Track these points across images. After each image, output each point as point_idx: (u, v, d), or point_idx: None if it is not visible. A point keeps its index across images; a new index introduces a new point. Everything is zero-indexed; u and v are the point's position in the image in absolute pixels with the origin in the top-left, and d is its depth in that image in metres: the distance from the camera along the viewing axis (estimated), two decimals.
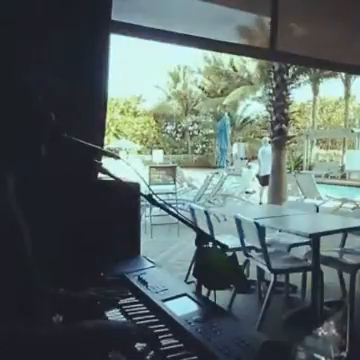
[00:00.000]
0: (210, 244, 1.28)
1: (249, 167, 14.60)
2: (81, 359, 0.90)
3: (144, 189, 1.69)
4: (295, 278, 3.69)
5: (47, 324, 1.03)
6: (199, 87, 31.24)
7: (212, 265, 1.22)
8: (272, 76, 10.29)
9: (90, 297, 1.26)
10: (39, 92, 1.01)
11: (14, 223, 0.94)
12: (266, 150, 10.14)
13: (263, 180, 10.08)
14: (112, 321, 1.17)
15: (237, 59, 24.33)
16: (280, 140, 9.99)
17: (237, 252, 2.95)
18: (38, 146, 1.01)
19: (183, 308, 1.18)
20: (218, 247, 1.25)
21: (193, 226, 1.32)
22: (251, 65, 18.62)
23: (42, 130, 1.01)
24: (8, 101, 0.96)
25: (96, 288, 1.32)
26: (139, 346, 0.97)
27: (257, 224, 2.97)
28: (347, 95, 25.37)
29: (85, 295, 1.26)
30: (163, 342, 1.02)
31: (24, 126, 0.98)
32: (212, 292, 1.28)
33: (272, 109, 10.29)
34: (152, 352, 0.96)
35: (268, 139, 10.39)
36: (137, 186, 1.76)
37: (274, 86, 10.24)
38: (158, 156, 24.48)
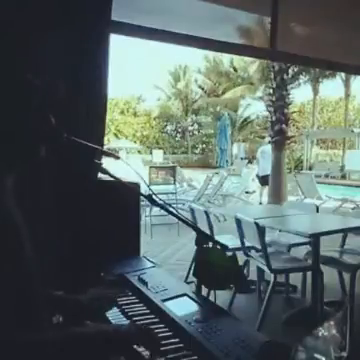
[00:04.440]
0: (210, 244, 1.28)
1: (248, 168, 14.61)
2: None
3: (144, 189, 1.69)
4: (295, 278, 3.69)
5: (47, 326, 1.02)
6: (199, 87, 31.22)
7: (212, 265, 1.22)
8: (272, 76, 10.29)
9: (89, 300, 1.25)
10: (39, 92, 1.01)
11: (12, 223, 0.94)
12: (266, 150, 10.12)
13: (262, 180, 10.06)
14: (113, 325, 1.17)
15: (237, 59, 24.36)
16: (280, 140, 9.99)
17: (237, 252, 2.97)
18: (37, 146, 1.01)
19: (183, 308, 1.18)
20: (218, 247, 1.25)
21: (193, 226, 1.32)
22: (251, 65, 18.62)
23: (41, 131, 1.01)
24: (7, 101, 0.95)
25: (95, 290, 1.32)
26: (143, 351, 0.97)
27: (257, 224, 2.97)
28: (347, 95, 25.36)
29: (85, 297, 1.26)
30: (163, 342, 1.03)
31: (23, 126, 0.98)
32: (212, 292, 1.28)
33: (272, 109, 10.29)
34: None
35: (268, 139, 10.39)
36: (137, 186, 1.76)
37: (274, 86, 10.24)
38: (158, 156, 24.45)
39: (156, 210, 6.17)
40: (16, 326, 0.86)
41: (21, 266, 0.93)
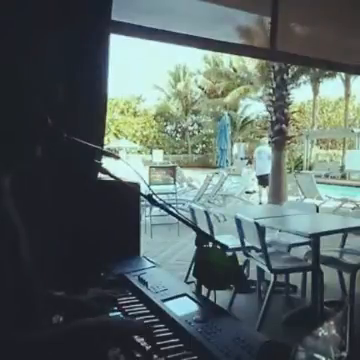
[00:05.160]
0: (210, 244, 1.28)
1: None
2: (82, 355, 0.91)
3: (144, 189, 1.69)
4: (295, 278, 3.69)
5: (46, 326, 1.02)
6: (199, 87, 31.23)
7: (212, 265, 1.22)
8: (272, 76, 10.29)
9: (90, 300, 1.25)
10: (36, 93, 1.00)
11: (9, 223, 0.93)
12: (262, 149, 10.11)
13: (260, 180, 10.07)
14: (112, 317, 1.18)
15: (237, 59, 24.33)
16: (280, 140, 9.99)
17: (237, 252, 2.98)
18: (33, 147, 1.01)
19: (183, 308, 1.18)
20: (218, 247, 1.25)
21: (193, 226, 1.32)
22: (251, 65, 18.61)
23: (38, 131, 1.01)
24: (5, 101, 0.95)
25: (95, 290, 1.32)
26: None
27: (257, 224, 2.97)
28: (347, 95, 25.36)
29: (85, 298, 1.26)
30: (163, 342, 1.03)
31: (19, 127, 0.97)
32: (212, 292, 1.28)
33: (272, 109, 10.29)
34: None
35: (265, 139, 10.42)
36: (137, 186, 1.76)
37: (274, 86, 10.25)
38: (158, 156, 24.46)
39: (156, 210, 6.17)
40: (15, 326, 0.86)
41: (19, 266, 0.93)
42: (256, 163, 10.24)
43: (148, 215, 6.36)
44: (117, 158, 1.42)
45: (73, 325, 0.95)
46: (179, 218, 1.33)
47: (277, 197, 9.39)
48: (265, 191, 10.09)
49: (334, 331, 0.87)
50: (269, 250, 3.17)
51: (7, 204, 0.96)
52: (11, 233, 0.93)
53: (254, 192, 11.30)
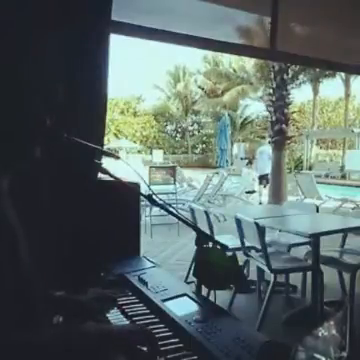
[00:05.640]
0: (210, 244, 1.28)
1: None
2: None
3: (144, 189, 1.69)
4: (295, 278, 3.69)
5: (46, 327, 1.02)
6: (199, 87, 31.23)
7: (212, 265, 1.22)
8: (272, 76, 10.29)
9: (90, 300, 1.25)
10: (36, 93, 1.00)
11: (7, 224, 0.93)
12: (263, 150, 10.14)
13: (260, 179, 10.11)
14: (114, 325, 1.17)
15: (237, 59, 24.35)
16: (280, 140, 10.00)
17: (237, 252, 2.98)
18: (31, 148, 1.00)
19: (183, 308, 1.18)
20: (218, 247, 1.25)
21: (193, 226, 1.32)
22: (249, 65, 18.59)
23: (36, 131, 1.00)
24: (4, 102, 0.95)
25: (95, 290, 1.32)
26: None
27: (257, 224, 2.97)
28: (347, 95, 25.36)
29: (85, 298, 1.26)
30: (163, 342, 1.02)
31: (19, 127, 0.97)
32: (212, 292, 1.28)
33: (272, 109, 10.30)
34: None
35: (268, 139, 10.45)
36: (137, 186, 1.76)
37: (274, 86, 10.25)
38: (158, 156, 24.47)
39: (156, 210, 6.17)
40: (14, 327, 0.86)
41: (18, 267, 0.92)
42: (257, 163, 10.29)
43: (148, 215, 6.36)
44: (117, 158, 1.42)
45: (73, 331, 0.93)
46: (179, 218, 1.33)
47: (277, 197, 9.39)
48: (265, 191, 10.11)
49: (334, 331, 0.87)
50: (269, 250, 3.17)
51: (5, 205, 0.96)
52: (9, 234, 0.92)
53: (254, 192, 11.30)
